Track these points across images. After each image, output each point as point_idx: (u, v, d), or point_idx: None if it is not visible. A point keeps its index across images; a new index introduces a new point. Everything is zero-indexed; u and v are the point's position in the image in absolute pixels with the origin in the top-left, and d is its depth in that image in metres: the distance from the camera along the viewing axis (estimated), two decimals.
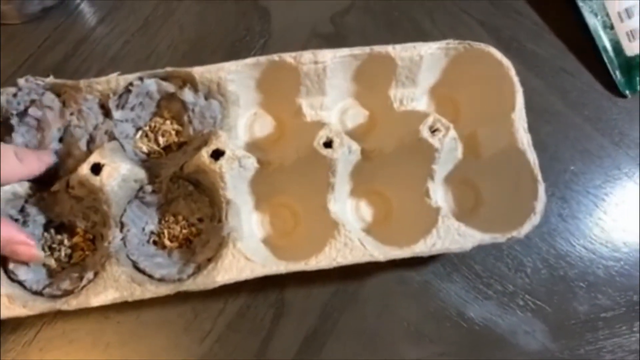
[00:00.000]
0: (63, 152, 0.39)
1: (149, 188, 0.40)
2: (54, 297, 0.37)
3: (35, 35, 0.47)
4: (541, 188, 0.40)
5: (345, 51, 0.42)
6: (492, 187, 0.43)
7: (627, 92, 0.49)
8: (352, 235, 0.38)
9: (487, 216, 0.42)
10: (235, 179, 0.39)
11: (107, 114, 0.40)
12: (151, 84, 0.40)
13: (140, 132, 0.41)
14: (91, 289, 0.36)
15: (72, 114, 0.39)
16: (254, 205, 0.43)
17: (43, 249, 0.38)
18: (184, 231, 0.40)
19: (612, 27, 0.50)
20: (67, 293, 0.37)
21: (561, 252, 0.45)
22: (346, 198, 0.43)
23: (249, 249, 0.38)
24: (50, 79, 0.39)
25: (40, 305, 0.36)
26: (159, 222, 0.40)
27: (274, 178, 0.42)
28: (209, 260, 0.38)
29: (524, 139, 0.41)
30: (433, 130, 0.39)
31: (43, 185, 0.39)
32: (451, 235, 0.38)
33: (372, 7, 0.51)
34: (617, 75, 0.49)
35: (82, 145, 0.39)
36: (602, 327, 0.43)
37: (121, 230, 0.38)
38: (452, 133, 0.39)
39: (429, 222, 0.39)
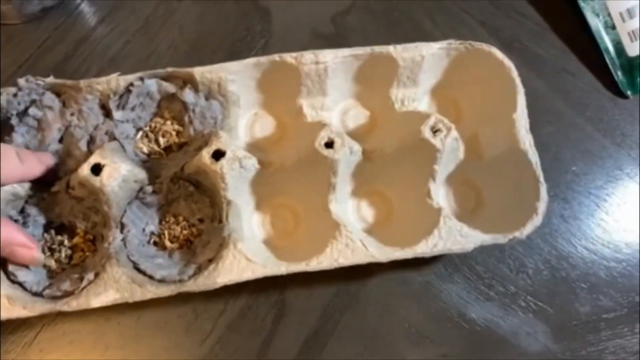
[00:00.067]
0: (63, 152, 0.39)
1: (149, 189, 0.39)
2: (54, 298, 0.37)
3: (35, 35, 0.47)
4: (543, 189, 0.40)
5: (346, 51, 0.42)
6: (494, 187, 0.43)
7: (629, 92, 0.49)
8: (354, 236, 0.38)
9: (488, 217, 0.42)
10: (236, 179, 0.39)
11: (107, 114, 0.40)
12: (152, 84, 0.40)
13: (140, 133, 0.41)
14: (91, 290, 0.36)
15: (72, 114, 0.39)
16: (255, 206, 0.43)
17: (43, 250, 0.38)
18: (185, 232, 0.40)
19: (613, 28, 0.49)
20: (67, 294, 0.36)
21: (563, 253, 0.44)
22: (347, 198, 0.43)
23: (249, 250, 0.38)
24: (51, 79, 0.39)
25: (40, 307, 0.36)
26: (160, 222, 0.40)
27: (274, 179, 0.41)
28: (210, 261, 0.38)
29: (526, 140, 0.41)
30: (435, 131, 0.39)
31: (43, 185, 0.39)
32: (453, 236, 0.38)
33: (372, 7, 0.51)
34: (619, 76, 0.49)
35: (83, 145, 0.39)
36: (603, 328, 0.43)
37: (121, 231, 0.38)
38: (454, 133, 0.39)
39: (431, 222, 0.39)
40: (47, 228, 0.39)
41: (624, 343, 0.42)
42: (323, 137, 0.38)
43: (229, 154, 0.38)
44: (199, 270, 0.37)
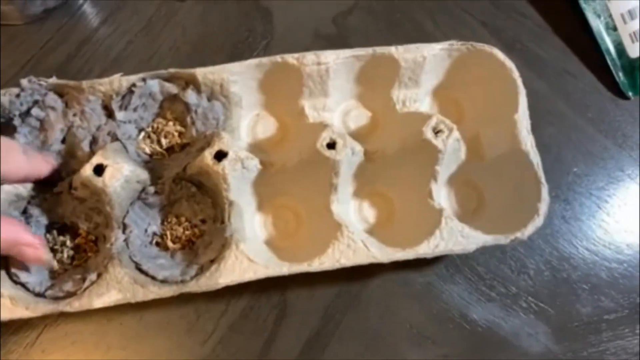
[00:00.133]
0: (66, 153, 0.39)
1: (151, 189, 0.40)
2: (56, 298, 0.37)
3: (38, 36, 0.47)
4: (544, 190, 0.40)
5: (348, 52, 0.42)
6: (495, 188, 0.43)
7: (630, 93, 0.49)
8: (355, 236, 0.38)
9: (489, 218, 0.42)
10: (238, 180, 0.39)
11: (110, 115, 0.40)
12: (154, 85, 0.40)
13: (143, 133, 0.41)
14: (94, 290, 0.36)
15: (74, 114, 0.39)
16: (257, 207, 0.43)
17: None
18: (187, 232, 0.40)
19: (615, 29, 0.49)
20: (69, 295, 0.36)
21: (564, 254, 0.45)
22: (349, 199, 0.43)
23: (251, 251, 0.38)
24: (53, 80, 0.39)
25: (42, 307, 0.36)
26: (162, 223, 0.40)
27: (276, 179, 0.41)
28: (212, 261, 0.38)
29: (527, 141, 0.41)
30: (436, 132, 0.39)
31: (46, 186, 0.39)
32: (454, 237, 0.38)
33: (374, 8, 0.51)
34: (620, 77, 0.49)
35: (85, 146, 0.39)
36: (605, 330, 0.43)
37: (124, 232, 0.38)
38: (456, 134, 0.39)
39: (432, 223, 0.39)
40: (49, 229, 0.39)
41: (625, 344, 0.42)
42: (325, 138, 0.38)
43: (231, 155, 0.38)
44: (201, 270, 0.37)
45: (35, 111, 0.39)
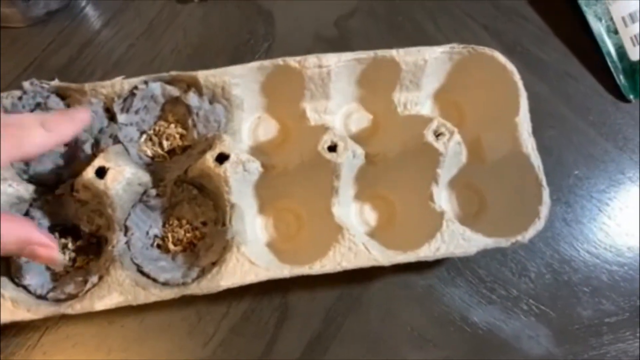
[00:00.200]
0: (67, 155, 0.39)
1: (153, 192, 0.40)
2: (58, 301, 0.37)
3: (40, 38, 0.47)
4: (545, 193, 0.40)
5: (349, 55, 0.42)
6: (496, 191, 0.43)
7: (631, 96, 0.49)
8: (357, 239, 0.38)
9: (490, 220, 0.42)
10: (239, 182, 0.39)
11: (111, 117, 0.40)
12: (156, 88, 0.40)
13: (144, 136, 0.41)
14: (95, 293, 0.36)
15: None
16: (258, 209, 0.43)
17: None
18: (188, 235, 0.40)
19: (616, 32, 0.50)
20: (71, 297, 0.37)
21: (565, 257, 0.45)
22: (350, 202, 0.43)
23: (253, 253, 0.38)
24: (55, 82, 0.40)
25: (44, 309, 0.36)
26: (163, 225, 0.40)
27: (277, 182, 0.41)
28: (213, 264, 0.38)
29: (528, 143, 0.41)
30: (437, 135, 0.39)
31: (48, 188, 0.39)
32: (455, 240, 0.38)
33: (375, 10, 0.51)
34: (621, 80, 0.49)
35: (87, 148, 0.39)
36: (606, 332, 0.43)
37: (125, 234, 0.38)
38: (457, 137, 0.39)
39: (433, 226, 0.39)
40: (51, 231, 0.39)
41: (625, 347, 0.42)
42: (326, 140, 0.38)
43: (232, 158, 0.38)
44: (203, 273, 0.38)
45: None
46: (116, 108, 0.40)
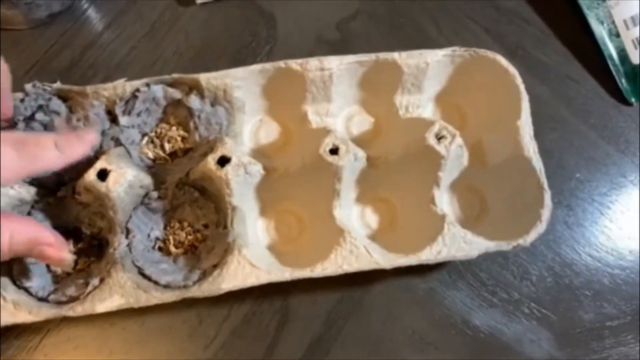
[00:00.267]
0: None
1: (154, 194, 0.40)
2: (59, 303, 0.37)
3: (42, 40, 0.47)
4: (547, 196, 0.40)
5: (351, 58, 0.42)
6: (498, 194, 0.43)
7: (633, 100, 0.49)
8: (358, 242, 0.38)
9: (492, 223, 0.42)
10: (241, 185, 0.39)
11: (113, 120, 0.40)
12: (158, 90, 0.40)
13: (146, 138, 0.41)
14: (96, 295, 0.36)
15: (78, 119, 0.39)
16: (260, 212, 0.43)
17: None
18: (189, 237, 0.40)
19: (618, 35, 0.50)
20: (72, 299, 0.37)
21: (567, 260, 0.44)
22: (351, 205, 0.43)
23: (254, 256, 0.38)
24: (57, 85, 0.40)
25: (45, 312, 0.36)
26: (164, 228, 0.40)
27: (279, 184, 0.42)
28: (215, 266, 0.38)
29: (530, 147, 0.41)
30: (439, 138, 0.39)
31: (49, 191, 0.39)
32: (457, 243, 0.38)
33: (377, 13, 0.51)
34: (623, 83, 0.49)
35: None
36: (607, 336, 0.43)
37: (127, 237, 0.38)
38: (458, 140, 0.39)
39: (435, 229, 0.39)
40: None
41: (627, 351, 0.42)
42: (328, 143, 0.38)
43: (234, 160, 0.38)
44: (204, 275, 0.38)
45: (39, 116, 0.39)
46: (118, 110, 0.40)
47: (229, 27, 0.49)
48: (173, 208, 0.41)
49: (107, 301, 0.36)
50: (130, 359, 0.40)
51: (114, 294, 0.36)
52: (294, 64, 0.41)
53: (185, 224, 0.40)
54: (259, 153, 0.44)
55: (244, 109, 0.43)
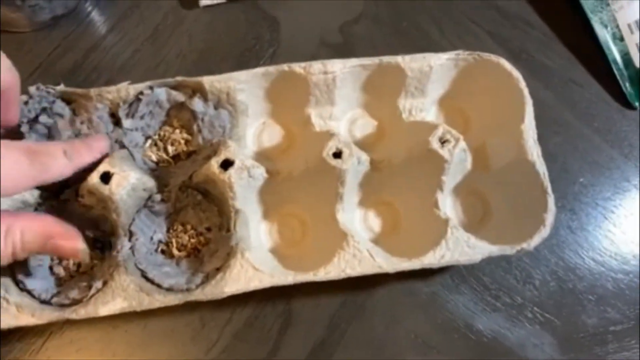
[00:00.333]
0: None
1: (157, 197, 0.40)
2: (62, 306, 0.37)
3: (46, 43, 0.47)
4: (551, 200, 0.40)
5: (354, 61, 0.42)
6: (501, 198, 0.43)
7: (637, 104, 0.49)
8: (361, 246, 0.38)
9: (495, 228, 0.42)
10: (244, 188, 0.39)
11: (117, 122, 0.40)
12: (161, 93, 0.40)
13: (149, 141, 0.41)
14: (99, 298, 0.36)
15: (82, 122, 0.39)
16: (263, 215, 0.43)
17: (51, 258, 0.38)
18: (192, 240, 0.40)
19: (622, 39, 0.49)
20: (75, 302, 0.37)
21: (570, 265, 0.44)
22: (355, 208, 0.43)
23: (257, 259, 0.38)
24: (61, 87, 0.40)
25: (48, 314, 0.36)
26: (167, 231, 0.40)
27: (282, 187, 0.41)
28: (218, 269, 0.38)
29: (534, 151, 0.41)
30: (443, 142, 0.39)
31: (52, 193, 0.39)
32: (460, 247, 0.38)
33: (380, 17, 0.51)
34: (627, 87, 0.49)
35: None
36: (611, 341, 0.43)
37: (130, 239, 0.38)
38: (462, 144, 0.39)
39: (438, 233, 0.39)
40: None
41: (630, 356, 0.42)
42: (331, 147, 0.38)
43: (237, 164, 0.38)
44: (207, 279, 0.38)
45: (43, 118, 0.39)
46: (121, 113, 0.40)
47: (232, 30, 0.49)
48: (176, 211, 0.40)
49: (110, 304, 0.36)
50: None
51: (117, 297, 0.36)
52: (298, 67, 0.41)
53: (188, 226, 0.40)
54: (262, 156, 0.44)
55: (248, 112, 0.43)
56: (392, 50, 0.43)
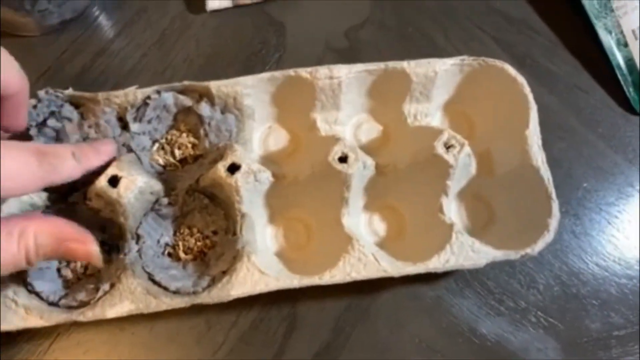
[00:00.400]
0: None
1: (165, 200, 0.40)
2: (70, 308, 0.37)
3: (54, 47, 0.48)
4: (555, 206, 0.40)
5: (360, 67, 0.42)
6: (505, 203, 0.43)
7: None
8: (366, 250, 0.38)
9: (499, 232, 0.42)
10: (250, 192, 0.39)
11: (124, 126, 0.40)
12: (168, 98, 0.40)
13: (156, 145, 0.42)
14: (107, 300, 0.36)
15: (90, 126, 0.40)
16: (268, 219, 0.43)
17: (59, 260, 0.39)
18: (199, 243, 0.41)
19: (626, 45, 0.50)
20: (82, 304, 0.37)
21: (574, 269, 0.45)
22: (359, 212, 0.43)
23: (262, 263, 0.38)
24: (70, 91, 0.40)
25: (56, 317, 0.36)
26: (174, 234, 0.41)
27: (288, 191, 0.42)
28: (224, 272, 0.38)
29: (538, 156, 0.41)
30: (448, 147, 0.39)
31: (61, 196, 0.39)
32: (465, 252, 0.38)
33: (386, 22, 0.51)
34: (631, 93, 0.49)
35: None
36: (614, 346, 0.43)
37: (137, 242, 0.38)
38: (467, 149, 0.39)
39: (443, 238, 0.39)
40: None
41: None
42: (337, 151, 0.39)
43: (244, 168, 0.38)
44: (213, 282, 0.38)
45: (51, 122, 0.39)
46: (129, 117, 0.40)
47: (239, 34, 0.50)
48: (183, 214, 0.41)
49: (118, 306, 0.36)
50: None
51: (124, 299, 0.36)
52: (304, 72, 0.42)
53: (195, 230, 0.41)
54: (267, 160, 0.44)
55: (254, 116, 0.43)
56: (397, 55, 0.43)
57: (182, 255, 0.40)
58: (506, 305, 0.43)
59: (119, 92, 0.40)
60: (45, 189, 0.38)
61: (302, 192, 0.42)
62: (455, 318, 0.42)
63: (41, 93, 0.39)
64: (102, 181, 0.37)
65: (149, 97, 0.40)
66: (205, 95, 0.41)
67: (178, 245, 0.40)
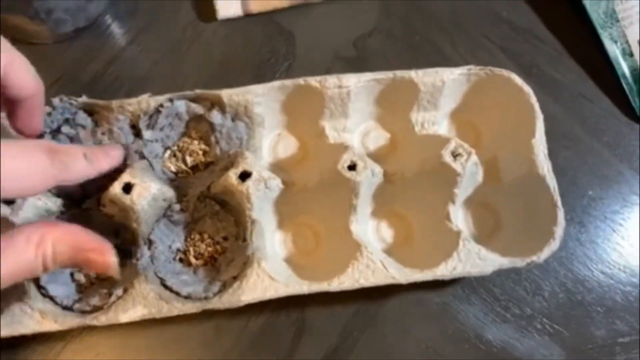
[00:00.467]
0: None
1: (176, 207, 0.41)
2: (83, 312, 0.38)
3: (67, 55, 0.49)
4: (560, 214, 0.40)
5: (368, 76, 0.43)
6: (512, 211, 0.44)
7: None
8: (374, 257, 0.39)
9: (505, 240, 0.43)
10: (260, 199, 0.40)
11: (137, 133, 0.41)
12: (181, 106, 0.41)
13: (168, 152, 0.42)
14: (120, 305, 0.37)
15: (103, 133, 0.40)
16: (277, 225, 0.44)
17: None
18: (209, 249, 0.41)
19: (631, 54, 0.50)
20: (96, 309, 0.38)
21: (579, 277, 0.45)
22: (367, 219, 0.44)
23: (272, 269, 0.39)
24: (83, 99, 0.41)
25: (70, 321, 0.37)
26: (185, 240, 0.41)
27: (297, 198, 0.42)
28: (234, 278, 0.39)
29: (544, 165, 0.41)
30: (455, 155, 0.40)
31: (75, 202, 0.40)
32: (472, 259, 0.39)
33: (393, 31, 0.52)
34: (636, 102, 0.50)
35: None
36: (619, 353, 0.43)
37: (149, 248, 0.39)
38: (474, 158, 0.40)
39: (450, 245, 0.39)
40: None
41: None
42: (346, 160, 0.39)
43: (255, 175, 0.39)
44: (224, 287, 0.38)
45: (65, 129, 0.40)
46: (142, 125, 0.41)
47: (249, 43, 0.50)
48: (194, 220, 0.41)
49: (131, 311, 0.37)
50: None
51: (137, 304, 0.37)
52: (313, 81, 0.42)
53: (206, 236, 0.41)
54: (277, 167, 0.45)
55: (264, 124, 0.44)
56: (405, 65, 0.44)
57: (193, 260, 0.41)
58: (512, 312, 0.44)
59: (132, 100, 0.41)
60: (60, 196, 0.39)
61: (311, 199, 0.42)
62: (461, 324, 0.43)
63: (55, 101, 0.40)
64: (116, 188, 0.38)
65: (161, 105, 0.41)
66: (216, 103, 0.42)
67: (189, 250, 0.41)
